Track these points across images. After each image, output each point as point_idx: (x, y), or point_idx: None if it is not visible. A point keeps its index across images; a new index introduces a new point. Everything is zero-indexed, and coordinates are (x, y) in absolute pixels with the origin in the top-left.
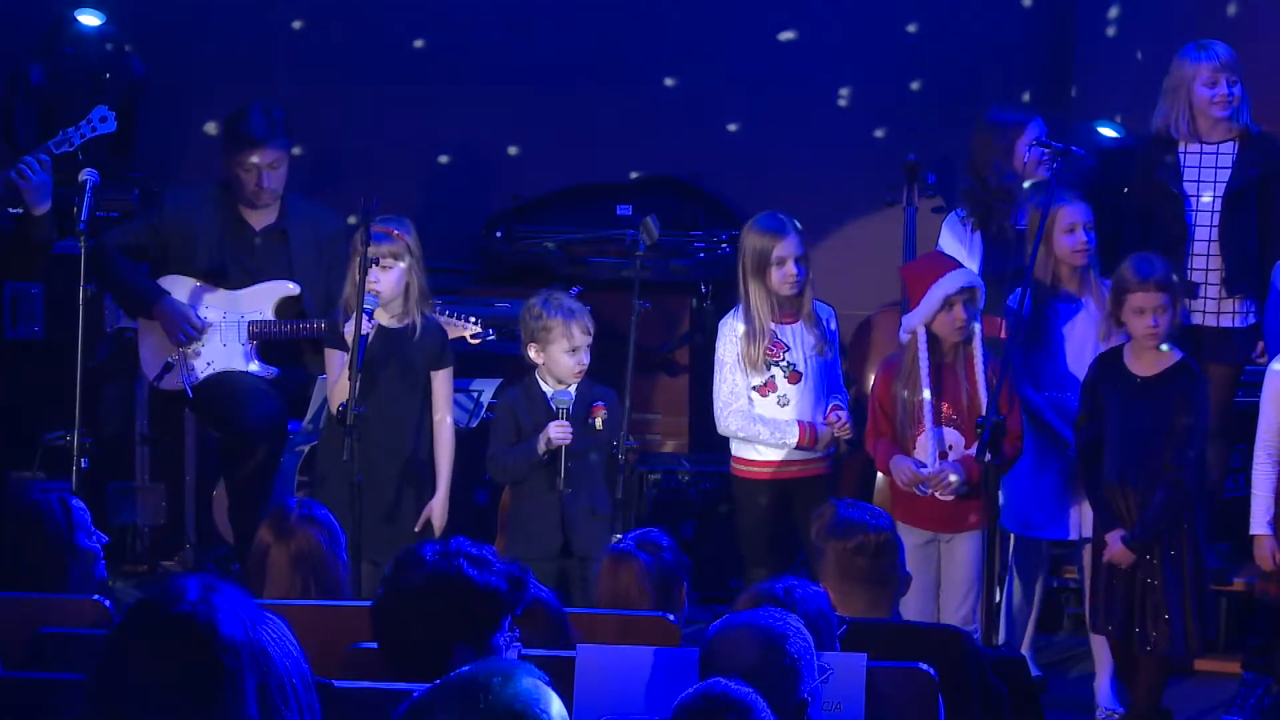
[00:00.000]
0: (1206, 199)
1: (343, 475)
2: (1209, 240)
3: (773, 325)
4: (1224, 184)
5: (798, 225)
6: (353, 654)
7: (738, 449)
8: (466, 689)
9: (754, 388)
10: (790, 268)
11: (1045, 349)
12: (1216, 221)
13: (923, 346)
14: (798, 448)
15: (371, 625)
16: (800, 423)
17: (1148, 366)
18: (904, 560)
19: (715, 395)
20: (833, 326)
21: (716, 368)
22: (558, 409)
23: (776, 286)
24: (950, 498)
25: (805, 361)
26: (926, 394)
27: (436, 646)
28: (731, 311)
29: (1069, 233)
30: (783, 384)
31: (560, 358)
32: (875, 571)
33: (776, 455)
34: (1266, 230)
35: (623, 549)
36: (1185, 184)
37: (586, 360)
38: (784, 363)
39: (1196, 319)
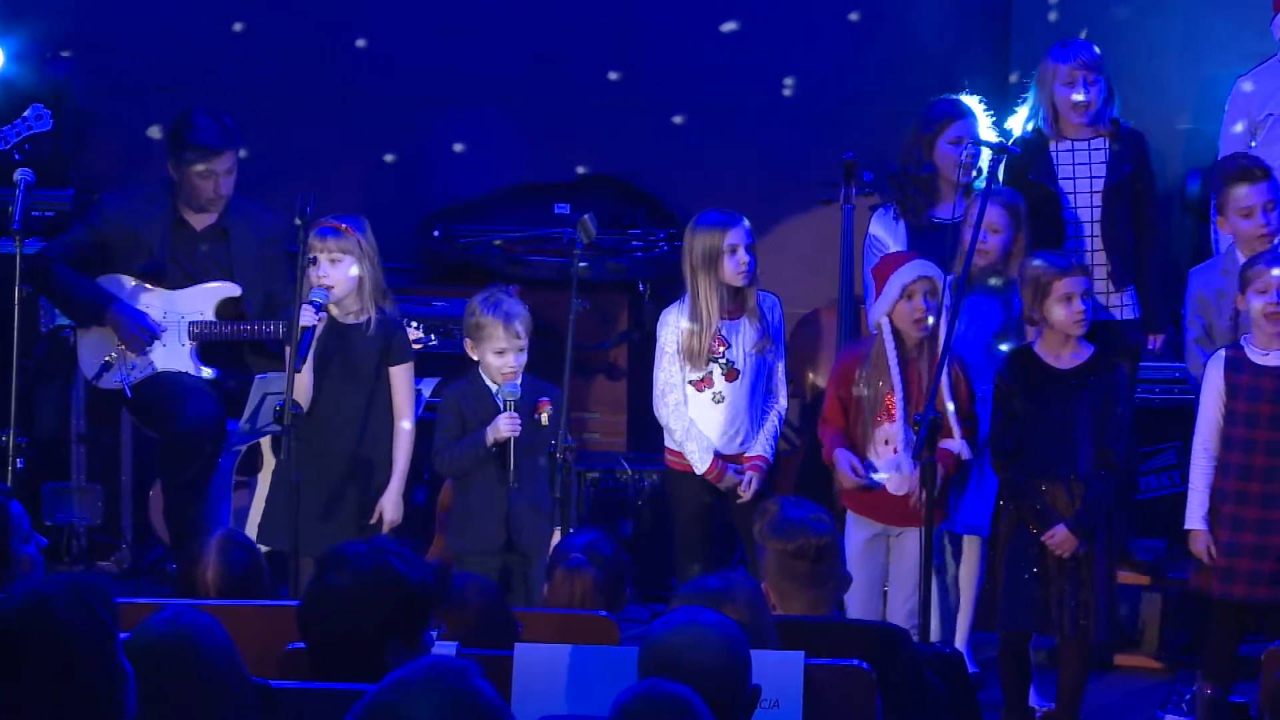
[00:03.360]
0: (1084, 196)
1: (284, 472)
2: (1091, 236)
3: (717, 320)
4: (1101, 179)
5: (744, 218)
6: (290, 654)
7: (671, 441)
8: (428, 682)
9: (691, 381)
10: (743, 255)
11: (976, 341)
12: (1097, 217)
13: (888, 338)
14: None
15: (299, 626)
16: (717, 455)
17: (1067, 359)
18: (845, 561)
19: (654, 381)
20: (776, 318)
21: (656, 355)
22: (505, 402)
23: (730, 277)
24: (902, 492)
25: (744, 359)
26: (897, 386)
27: (370, 644)
28: (675, 303)
29: (971, 227)
30: (719, 381)
31: (489, 358)
32: (816, 574)
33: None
34: (1141, 224)
35: (575, 563)
36: (1061, 181)
37: (516, 362)
38: (723, 360)
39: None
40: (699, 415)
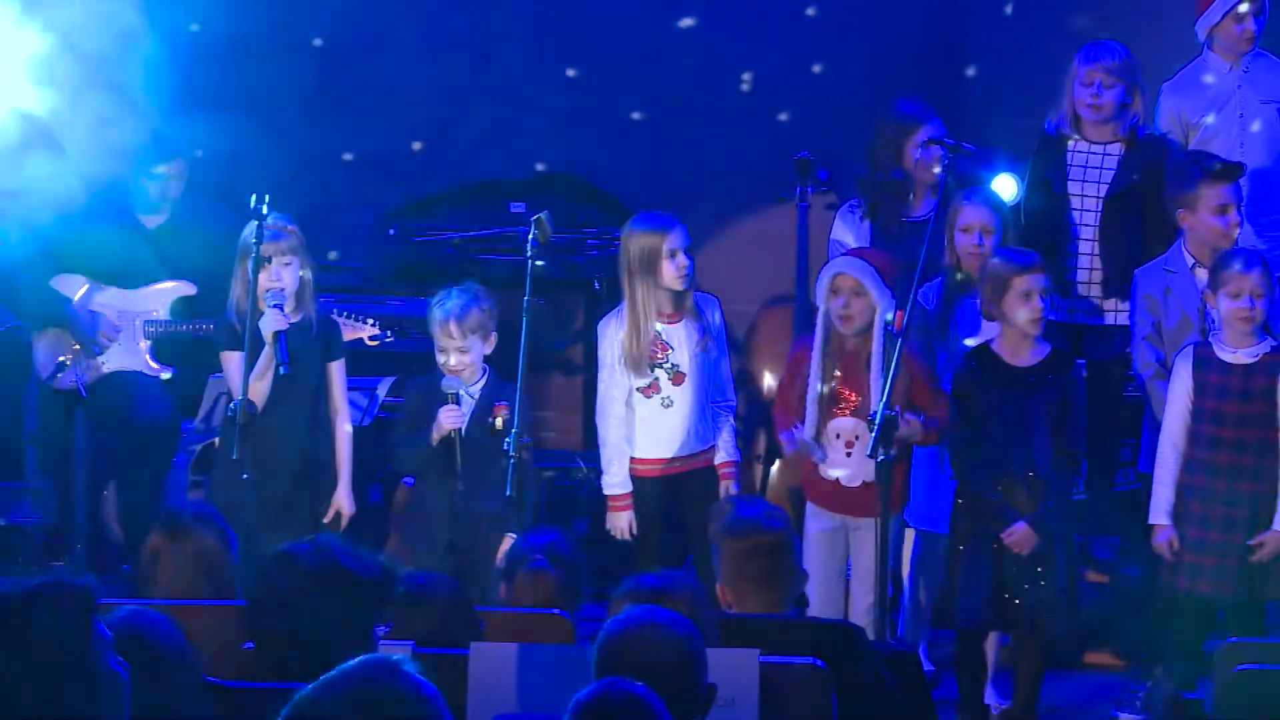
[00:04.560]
0: (1090, 200)
1: (237, 472)
2: (1091, 240)
3: (657, 325)
4: (1106, 185)
5: (680, 219)
6: (245, 654)
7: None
8: (357, 681)
9: (638, 389)
10: (682, 258)
11: (956, 343)
12: (1097, 222)
13: (818, 333)
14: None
15: (247, 626)
16: (627, 495)
17: (1025, 357)
18: (800, 558)
19: (597, 393)
20: (718, 319)
21: (598, 367)
22: (447, 395)
23: (670, 281)
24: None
25: (689, 361)
26: (818, 385)
27: (320, 642)
28: (612, 312)
29: (963, 232)
30: (666, 385)
31: (437, 354)
32: (770, 571)
33: (665, 453)
34: (1151, 234)
35: (538, 565)
36: (1069, 183)
37: (458, 362)
38: (668, 364)
39: (1078, 317)
40: (651, 421)
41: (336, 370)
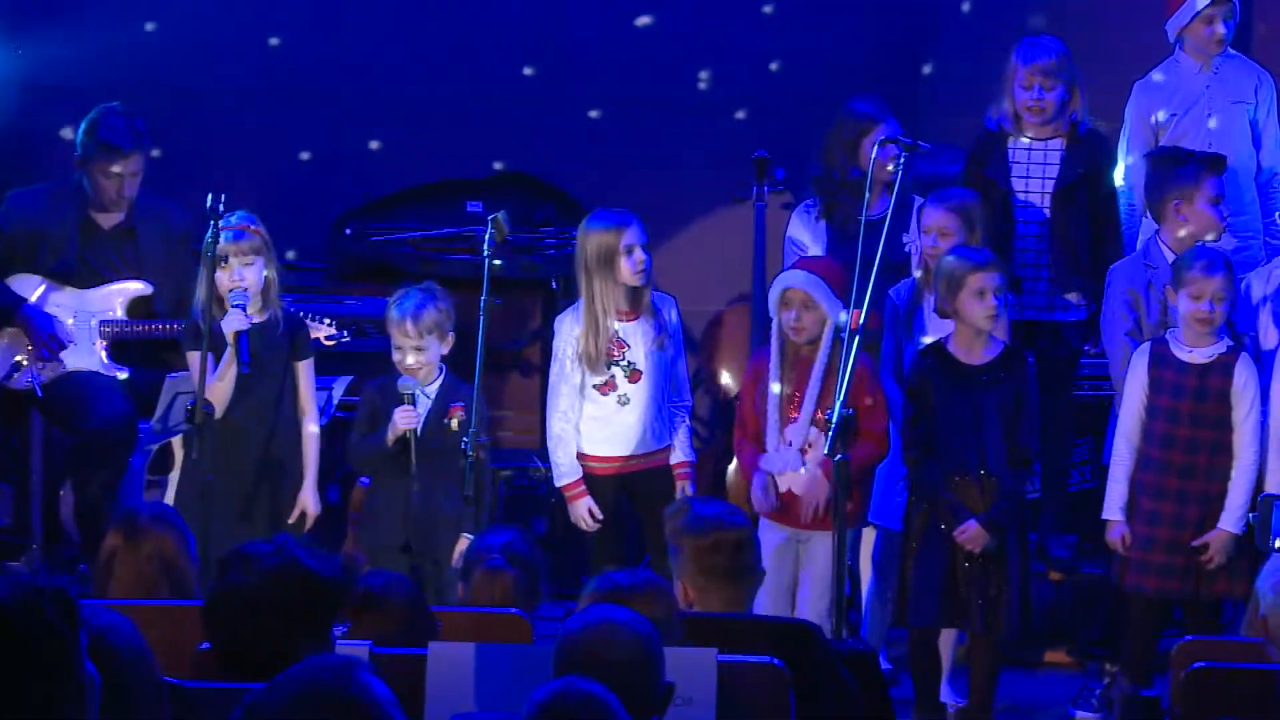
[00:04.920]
0: (1035, 196)
1: (199, 472)
2: (1038, 236)
3: (614, 324)
4: (1052, 180)
5: (636, 216)
6: (202, 654)
7: (581, 444)
8: (303, 685)
9: (594, 386)
10: (639, 254)
11: (919, 341)
12: (1045, 218)
13: (773, 343)
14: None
15: (205, 626)
16: (578, 481)
17: (978, 354)
18: (760, 556)
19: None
20: (674, 318)
21: (551, 361)
22: (403, 396)
23: (628, 277)
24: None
25: (646, 359)
26: (775, 387)
27: (279, 643)
28: (570, 309)
29: (924, 233)
30: (623, 383)
31: (394, 353)
32: (733, 568)
33: (620, 451)
34: (1099, 226)
35: (496, 564)
36: (1014, 180)
37: (414, 360)
38: (624, 362)
39: (1028, 314)
40: (607, 419)
41: (304, 370)
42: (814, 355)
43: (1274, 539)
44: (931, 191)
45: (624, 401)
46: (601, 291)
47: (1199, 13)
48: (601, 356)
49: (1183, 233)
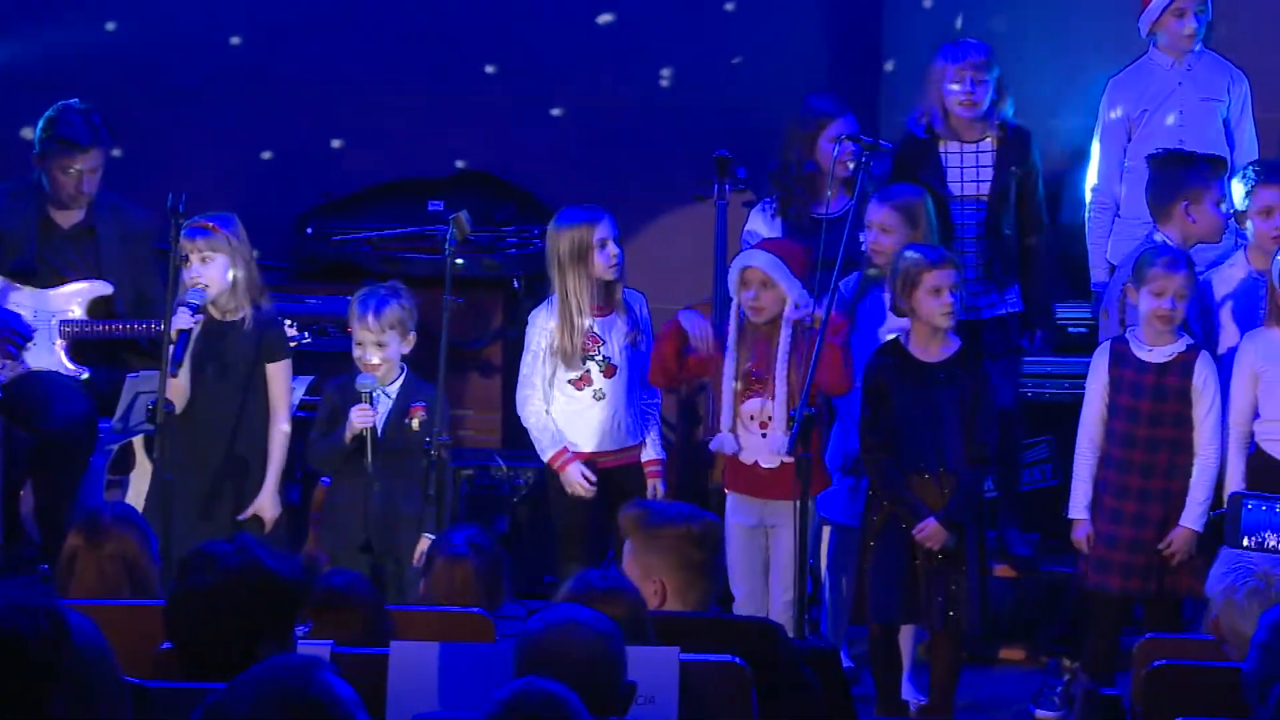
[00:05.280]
0: (971, 199)
1: (159, 471)
2: (977, 238)
3: (588, 319)
4: (988, 183)
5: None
6: (163, 654)
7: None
8: (265, 685)
9: (569, 381)
10: (612, 247)
11: (869, 337)
12: (982, 219)
13: (730, 323)
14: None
15: (166, 627)
16: (564, 450)
17: (935, 353)
18: (725, 554)
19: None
20: (645, 314)
21: (523, 353)
22: (360, 394)
23: (601, 271)
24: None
25: (620, 354)
26: (733, 374)
27: (241, 643)
28: (544, 303)
29: (866, 228)
30: (598, 378)
31: (354, 349)
32: (711, 562)
33: (594, 446)
34: (1026, 222)
35: (457, 552)
36: (949, 185)
37: (374, 357)
38: (599, 357)
39: (971, 314)
40: (581, 414)
41: (275, 372)
42: (771, 334)
43: (1243, 537)
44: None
45: (599, 396)
46: (575, 287)
47: (1169, 6)
48: (577, 351)
49: (1191, 234)
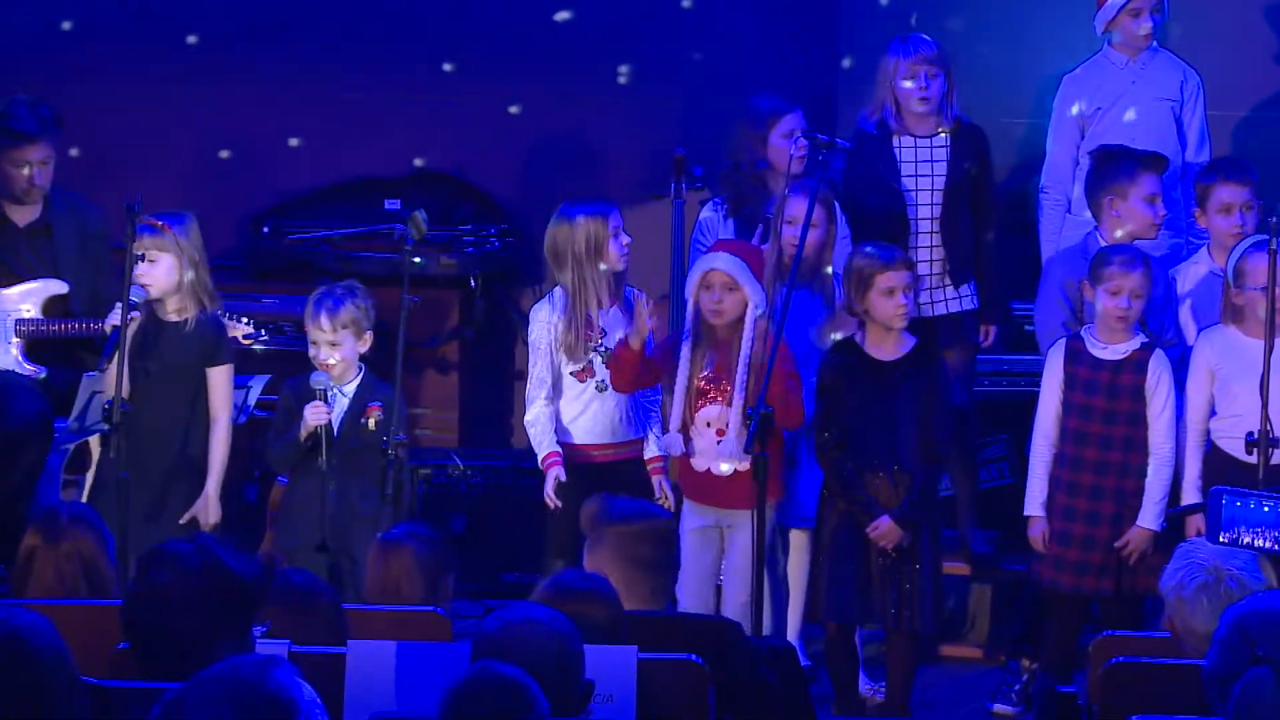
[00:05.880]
0: (925, 193)
1: (111, 472)
2: (931, 233)
3: (599, 309)
4: (942, 177)
5: None
6: (121, 654)
7: (559, 433)
8: (224, 684)
9: (571, 373)
10: (624, 237)
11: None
12: (937, 214)
13: (687, 326)
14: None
15: (123, 626)
16: (555, 452)
17: (890, 351)
18: (679, 554)
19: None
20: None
21: (530, 353)
22: (315, 391)
23: (614, 262)
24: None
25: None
26: (685, 377)
27: (198, 642)
28: (544, 299)
29: (787, 224)
30: (600, 369)
31: (310, 348)
32: (659, 559)
33: (597, 439)
34: (981, 218)
35: (394, 537)
36: (904, 179)
37: (329, 356)
38: (602, 348)
39: (925, 310)
40: (585, 406)
41: (215, 375)
42: (730, 338)
43: (1222, 533)
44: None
45: (602, 388)
46: (591, 279)
47: (1125, 6)
48: (581, 343)
49: (1119, 230)
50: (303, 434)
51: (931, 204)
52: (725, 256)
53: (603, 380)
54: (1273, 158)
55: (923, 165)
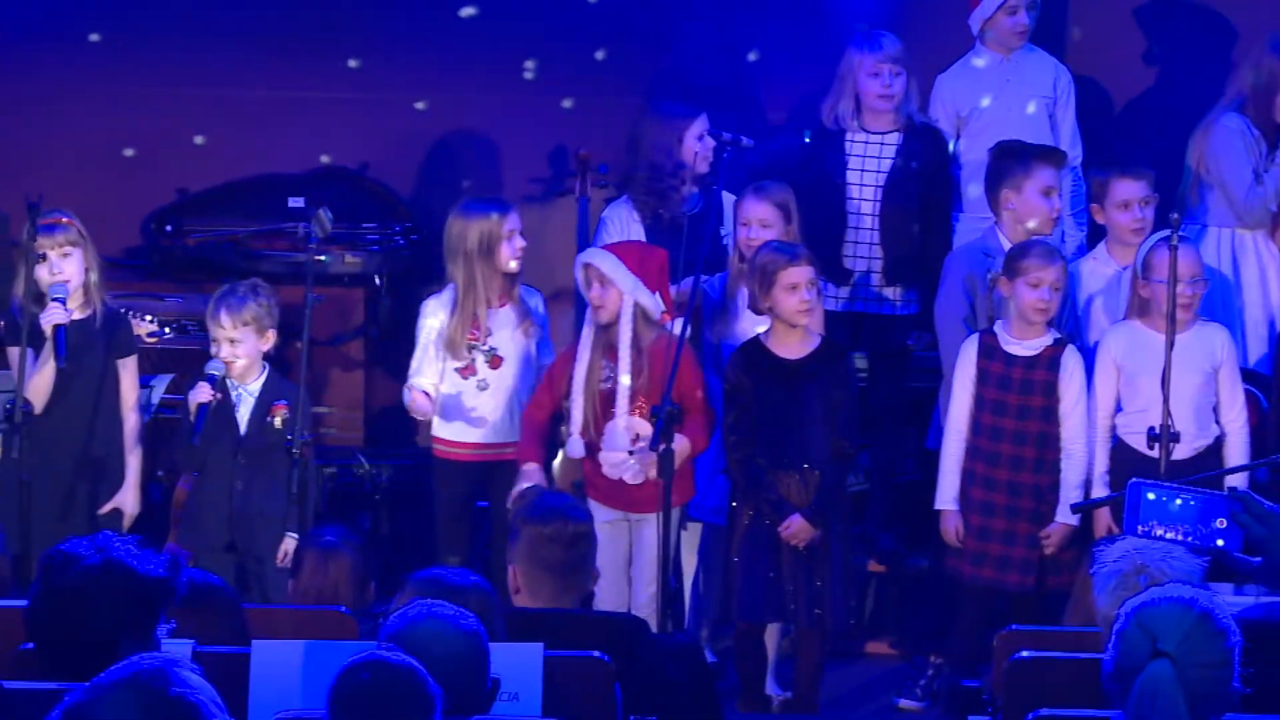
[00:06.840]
0: (867, 188)
1: (13, 472)
2: (870, 229)
3: (487, 310)
4: (885, 174)
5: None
6: (21, 655)
7: (438, 429)
8: (126, 685)
9: (455, 369)
10: (519, 240)
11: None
12: (877, 210)
13: (586, 324)
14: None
15: (26, 627)
16: (420, 390)
17: (795, 349)
18: (596, 556)
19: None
20: (540, 309)
21: (415, 345)
22: (208, 377)
23: (506, 262)
24: (638, 481)
25: (510, 344)
26: (583, 375)
27: (102, 643)
28: (434, 295)
29: (743, 225)
30: (483, 368)
31: (211, 346)
32: (567, 561)
33: (477, 437)
34: (930, 220)
35: (330, 543)
36: (848, 172)
37: (228, 354)
38: (486, 348)
39: (858, 306)
40: (465, 401)
41: (124, 367)
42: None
43: (1139, 525)
44: (750, 183)
45: (483, 386)
46: (482, 277)
47: (1003, 4)
48: (464, 341)
49: (1017, 224)
50: (192, 413)
51: (874, 200)
52: (598, 252)
53: (483, 380)
54: (1162, 155)
55: (869, 161)
